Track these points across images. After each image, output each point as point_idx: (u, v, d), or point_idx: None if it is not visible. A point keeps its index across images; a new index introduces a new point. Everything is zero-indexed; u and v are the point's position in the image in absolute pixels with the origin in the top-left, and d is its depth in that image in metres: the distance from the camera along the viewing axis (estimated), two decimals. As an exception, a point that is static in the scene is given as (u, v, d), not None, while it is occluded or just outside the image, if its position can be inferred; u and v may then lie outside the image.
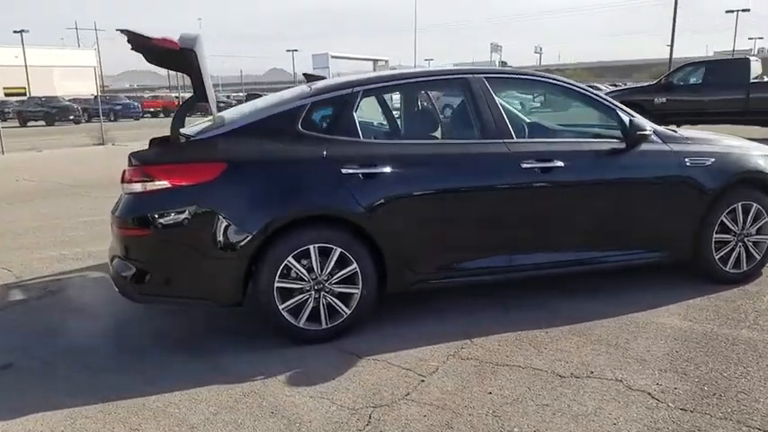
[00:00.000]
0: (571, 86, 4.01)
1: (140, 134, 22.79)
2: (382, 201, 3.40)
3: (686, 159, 3.99)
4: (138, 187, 3.20)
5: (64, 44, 78.01)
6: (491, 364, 3.15)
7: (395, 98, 4.23)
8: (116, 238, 3.35)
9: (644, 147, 3.93)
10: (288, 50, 69.70)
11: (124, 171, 3.30)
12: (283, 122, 3.44)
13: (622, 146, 3.90)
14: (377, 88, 3.67)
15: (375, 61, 26.53)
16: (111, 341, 3.59)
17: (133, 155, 3.27)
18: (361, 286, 3.45)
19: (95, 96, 36.84)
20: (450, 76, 3.83)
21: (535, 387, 2.91)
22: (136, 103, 37.90)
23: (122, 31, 3.27)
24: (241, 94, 51.10)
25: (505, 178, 3.61)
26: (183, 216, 3.18)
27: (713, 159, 4.05)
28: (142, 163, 3.22)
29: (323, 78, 4.19)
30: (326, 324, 3.44)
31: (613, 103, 4.00)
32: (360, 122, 3.53)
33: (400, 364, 3.19)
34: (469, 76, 3.76)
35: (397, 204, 3.44)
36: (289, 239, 3.28)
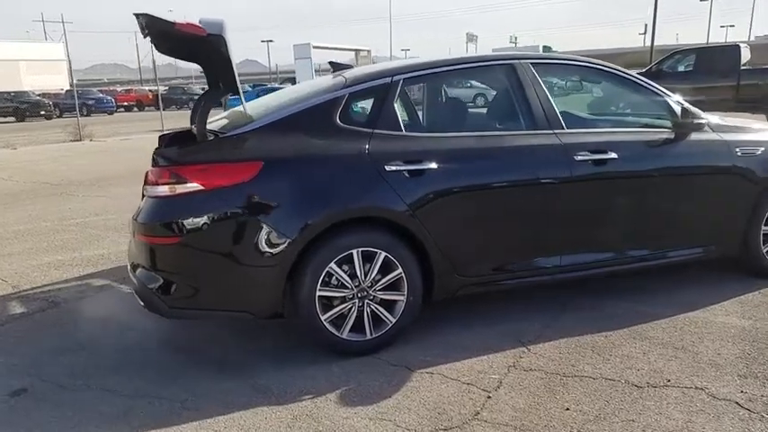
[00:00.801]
0: (623, 73, 3.77)
1: (119, 129, 22.19)
2: (429, 200, 3.13)
3: (737, 149, 3.79)
4: (166, 190, 2.87)
5: (30, 37, 75.88)
6: (558, 376, 2.90)
7: (430, 88, 3.93)
8: (139, 247, 3.02)
9: (694, 136, 3.71)
10: (263, 41, 68.56)
11: (148, 172, 2.97)
12: (320, 116, 3.13)
13: (672, 135, 3.68)
14: (418, 76, 3.38)
15: (357, 51, 26.06)
16: (135, 359, 3.27)
17: (160, 154, 2.95)
18: (406, 292, 3.18)
19: (67, 91, 35.85)
20: (495, 63, 3.55)
21: (614, 400, 2.68)
22: (109, 98, 36.87)
23: (140, 15, 2.94)
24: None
25: (559, 172, 3.36)
26: (217, 221, 2.87)
27: (763, 149, 3.85)
28: (171, 163, 2.90)
29: (349, 67, 3.89)
30: (371, 334, 3.17)
31: (663, 91, 3.77)
32: (401, 114, 3.25)
33: (458, 377, 2.93)
34: (515, 62, 3.50)
35: (444, 203, 3.18)
36: (331, 244, 3.00)
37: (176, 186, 2.85)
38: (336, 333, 3.11)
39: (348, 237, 3.03)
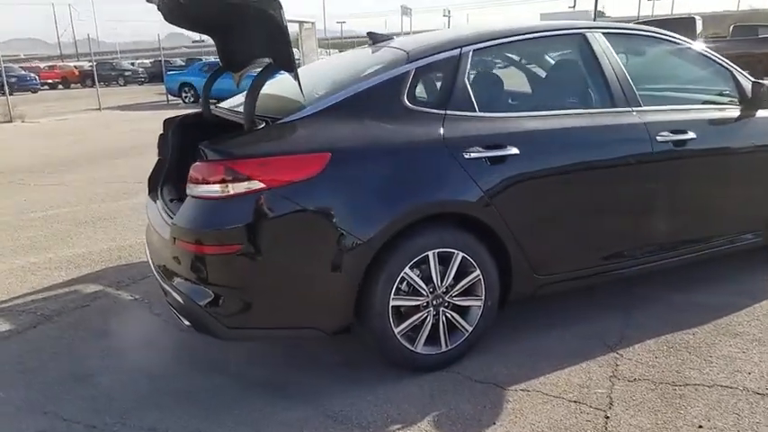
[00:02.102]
0: (692, 45, 3.47)
1: (50, 109, 20.64)
2: (511, 190, 2.75)
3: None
4: (218, 189, 2.36)
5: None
6: (669, 386, 2.61)
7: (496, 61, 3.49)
8: (182, 255, 2.51)
9: (762, 113, 3.47)
10: (193, 14, 65.48)
11: (194, 167, 2.45)
12: (386, 96, 2.68)
13: (742, 112, 3.44)
14: (488, 47, 2.94)
15: (301, 23, 25.07)
16: (169, 386, 2.76)
17: (210, 146, 2.43)
18: (484, 297, 2.81)
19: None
20: (566, 32, 3.17)
21: (744, 412, 2.41)
22: (33, 75, 34.32)
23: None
24: (146, 61, 47.83)
25: (642, 155, 3.05)
26: (282, 224, 2.40)
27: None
28: (225, 156, 2.39)
29: (390, 38, 3.41)
30: (446, 346, 2.79)
31: (731, 65, 3.50)
32: (473, 92, 2.83)
33: (560, 394, 2.59)
34: (587, 33, 3.13)
35: (526, 194, 2.81)
36: (406, 246, 2.58)
37: (233, 185, 2.35)
38: (410, 347, 2.71)
39: (424, 237, 2.62)
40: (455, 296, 2.76)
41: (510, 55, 3.39)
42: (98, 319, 3.50)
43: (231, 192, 2.35)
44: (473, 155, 2.67)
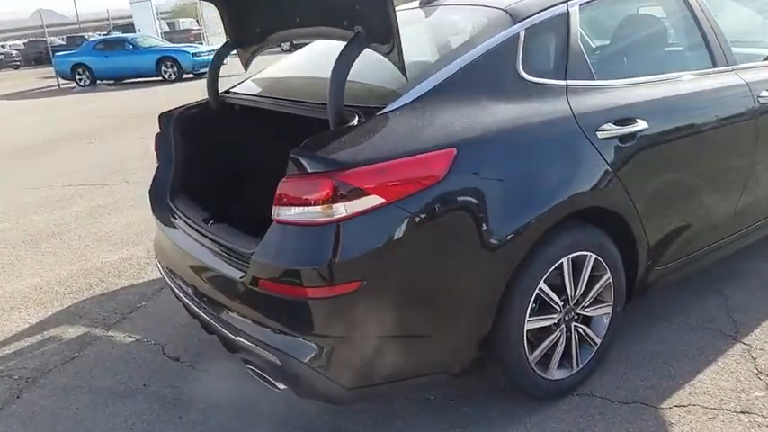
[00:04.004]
0: None
1: None
2: (641, 173, 2.32)
3: None
4: (325, 211, 1.73)
5: None
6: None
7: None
8: (268, 301, 1.87)
9: None
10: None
11: (286, 184, 1.79)
12: (497, 67, 2.12)
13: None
14: (592, 2, 2.41)
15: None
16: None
17: (307, 154, 1.78)
18: (613, 302, 2.36)
19: None
20: None
21: None
22: None
23: None
24: (19, 42, 43.03)
25: (749, 119, 2.70)
26: (409, 247, 1.82)
27: None
28: (333, 167, 1.74)
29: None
30: (577, 365, 2.33)
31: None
32: (588, 55, 2.33)
33: (720, 405, 2.24)
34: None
35: (654, 174, 2.39)
36: (543, 254, 2.08)
37: (346, 203, 1.72)
38: (544, 374, 2.23)
39: (560, 240, 2.12)
40: (586, 307, 2.29)
41: (615, 10, 2.87)
42: (101, 375, 2.75)
43: (344, 213, 1.73)
44: (606, 134, 2.18)
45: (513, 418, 2.23)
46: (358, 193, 1.72)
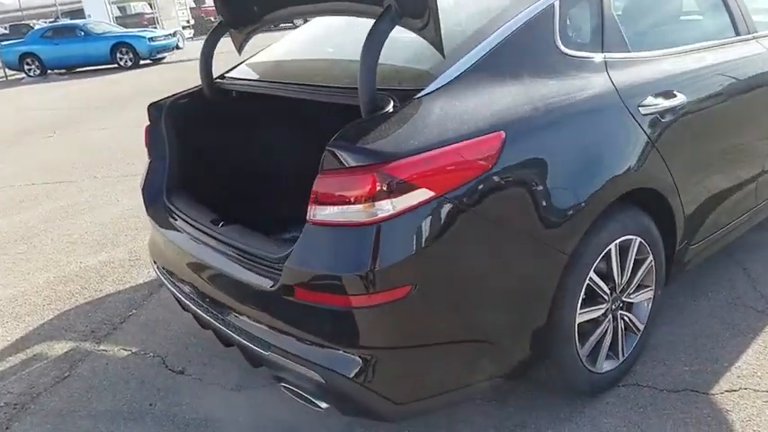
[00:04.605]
0: None
1: None
2: (681, 149, 2.20)
3: None
4: (369, 209, 1.52)
5: None
6: None
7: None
8: (305, 311, 1.67)
9: None
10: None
11: (323, 180, 1.57)
12: (536, 40, 1.93)
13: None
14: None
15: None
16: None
17: (343, 146, 1.56)
18: (654, 286, 2.23)
19: None
20: None
21: None
22: None
23: None
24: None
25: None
26: (462, 244, 1.64)
27: None
28: (377, 159, 1.53)
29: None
30: (623, 354, 2.20)
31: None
32: (622, 25, 2.16)
33: (774, 388, 2.11)
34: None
35: (693, 150, 2.29)
36: (594, 240, 1.92)
37: (392, 200, 1.52)
38: (593, 368, 2.09)
39: (610, 225, 1.97)
40: (631, 293, 2.16)
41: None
42: (99, 396, 2.51)
43: (391, 210, 1.53)
44: (649, 109, 2.04)
45: (560, 417, 2.09)
46: (406, 186, 1.53)
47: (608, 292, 2.04)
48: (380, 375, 1.63)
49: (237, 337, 1.89)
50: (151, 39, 16.76)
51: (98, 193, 5.26)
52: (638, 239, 2.09)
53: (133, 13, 27.54)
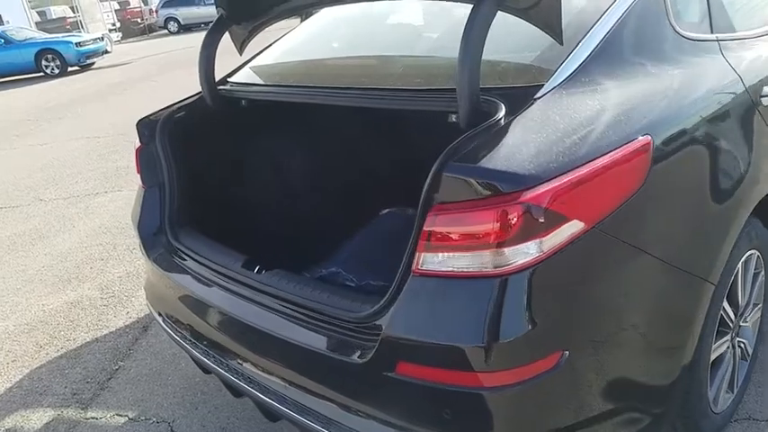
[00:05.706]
0: None
1: None
2: None
3: None
4: (505, 254, 1.13)
5: None
6: None
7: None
8: (411, 392, 1.26)
9: None
10: None
11: (439, 217, 1.16)
12: (652, 21, 1.58)
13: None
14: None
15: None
16: None
17: (468, 170, 1.15)
18: (762, 302, 1.94)
19: None
20: None
21: None
22: None
23: None
24: None
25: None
26: (616, 286, 1.27)
27: None
28: (524, 185, 1.13)
29: None
30: (737, 386, 1.90)
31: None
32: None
33: None
34: None
35: None
36: (730, 262, 1.59)
37: (542, 238, 1.13)
38: (717, 410, 1.77)
39: (740, 242, 1.64)
40: (747, 315, 1.86)
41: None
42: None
43: (535, 252, 1.14)
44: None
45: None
46: (555, 218, 1.14)
47: (734, 318, 1.72)
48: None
49: (303, 419, 1.45)
50: (78, 44, 15.64)
51: (49, 219, 4.63)
52: (757, 253, 1.78)
53: (54, 17, 25.86)
